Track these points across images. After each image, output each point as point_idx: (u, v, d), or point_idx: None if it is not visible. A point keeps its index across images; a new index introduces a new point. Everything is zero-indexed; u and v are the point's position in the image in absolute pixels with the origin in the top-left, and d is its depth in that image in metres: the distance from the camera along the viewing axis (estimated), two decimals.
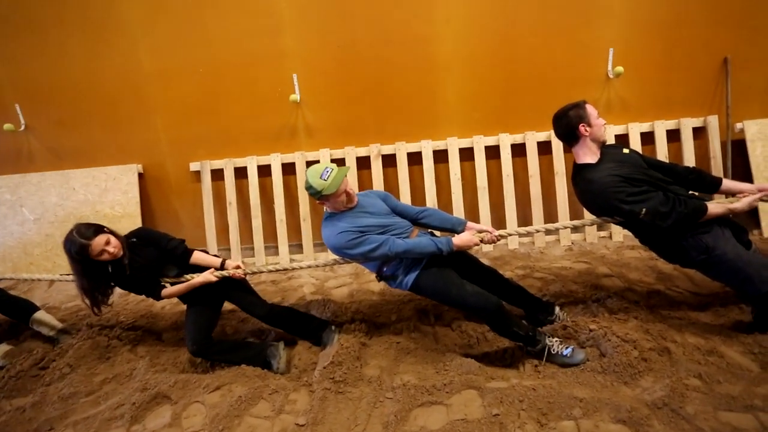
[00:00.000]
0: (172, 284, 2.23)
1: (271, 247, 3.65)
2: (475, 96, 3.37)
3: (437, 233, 2.32)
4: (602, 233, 3.39)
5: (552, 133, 3.33)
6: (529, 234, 2.21)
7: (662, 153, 3.35)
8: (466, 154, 3.44)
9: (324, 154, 3.49)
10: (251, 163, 3.53)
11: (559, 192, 3.38)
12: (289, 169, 3.56)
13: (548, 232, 3.21)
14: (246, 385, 2.04)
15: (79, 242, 2.01)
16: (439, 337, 2.38)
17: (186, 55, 3.36)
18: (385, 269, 2.18)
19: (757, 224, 3.24)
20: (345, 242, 2.04)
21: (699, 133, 3.41)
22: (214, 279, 2.20)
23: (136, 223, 3.50)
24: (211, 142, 3.58)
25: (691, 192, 2.10)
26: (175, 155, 3.60)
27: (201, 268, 2.25)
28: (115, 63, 3.40)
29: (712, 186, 2.10)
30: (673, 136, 3.41)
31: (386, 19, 3.24)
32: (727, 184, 2.08)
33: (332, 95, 3.44)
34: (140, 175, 3.63)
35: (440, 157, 3.45)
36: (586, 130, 2.01)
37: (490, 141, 3.40)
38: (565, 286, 2.69)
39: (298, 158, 3.51)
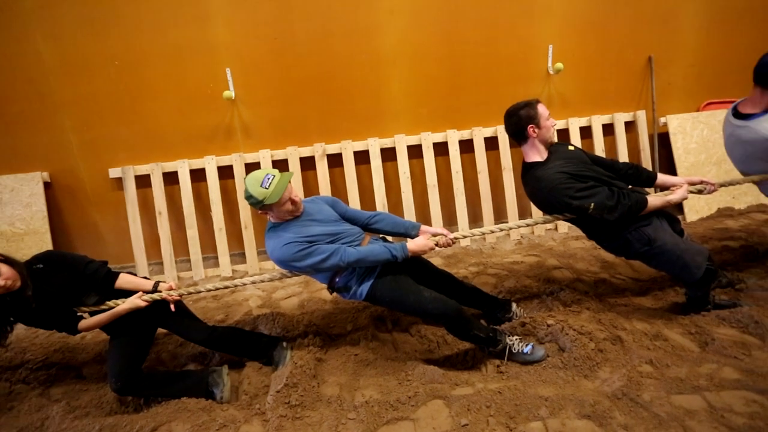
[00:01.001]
0: (92, 314, 1.90)
1: (210, 258, 3.33)
2: (421, 91, 3.30)
3: (389, 239, 2.21)
4: (548, 226, 3.49)
5: (498, 128, 3.40)
6: (483, 235, 2.16)
7: (599, 146, 3.51)
8: (414, 152, 3.37)
9: (264, 155, 3.25)
10: (183, 167, 3.20)
11: (507, 187, 3.42)
12: (226, 172, 3.27)
13: None
14: (188, 422, 1.79)
15: None
16: (398, 344, 2.28)
17: (97, 45, 2.94)
18: (337, 280, 2.03)
19: (681, 211, 3.49)
20: (292, 254, 1.87)
21: (629, 126, 3.62)
22: (143, 304, 1.91)
23: (44, 240, 3.03)
24: (134, 144, 3.18)
25: (630, 186, 2.17)
26: (89, 160, 3.15)
27: (128, 293, 1.95)
28: (7, 52, 2.89)
29: (649, 181, 2.19)
30: (608, 129, 3.58)
31: (326, 9, 3.06)
32: (661, 178, 2.18)
33: (271, 91, 3.20)
34: (47, 185, 3.14)
35: (388, 155, 3.35)
36: (534, 132, 2.00)
37: (438, 137, 3.36)
38: (518, 281, 2.71)
39: (235, 160, 3.23)
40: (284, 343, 2.21)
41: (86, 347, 2.45)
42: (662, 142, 3.66)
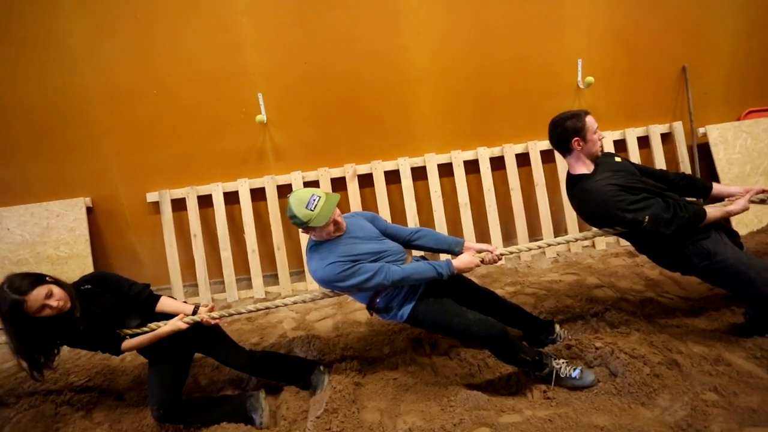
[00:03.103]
0: (134, 336, 1.92)
1: (244, 279, 3.36)
2: (451, 109, 3.30)
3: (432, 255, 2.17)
4: (586, 243, 3.37)
5: (529, 144, 3.35)
6: (530, 250, 2.10)
7: (635, 159, 3.40)
8: (445, 170, 3.34)
9: (296, 177, 3.28)
10: (216, 191, 3.26)
11: (540, 203, 3.34)
12: (258, 194, 3.31)
13: None
14: None
15: (11, 298, 1.66)
16: (437, 368, 2.21)
17: (137, 76, 3.07)
18: (377, 300, 1.98)
19: (728, 223, 3.31)
20: (336, 275, 1.83)
21: (666, 138, 3.50)
22: (184, 326, 1.91)
23: (86, 263, 3.12)
24: (170, 169, 3.27)
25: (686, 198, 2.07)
26: (128, 185, 3.26)
27: (168, 317, 1.96)
28: (54, 85, 3.04)
29: (704, 191, 2.08)
30: (643, 142, 3.48)
31: (354, 32, 3.12)
32: (717, 188, 2.07)
33: (301, 114, 3.26)
34: (89, 210, 3.25)
35: (418, 174, 3.33)
36: (579, 145, 1.94)
37: (468, 155, 3.33)
38: (559, 301, 2.60)
39: (267, 183, 3.28)
40: (321, 367, 2.17)
41: (126, 369, 2.48)
42: (702, 153, 3.52)
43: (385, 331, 2.53)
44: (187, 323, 1.92)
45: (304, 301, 2.09)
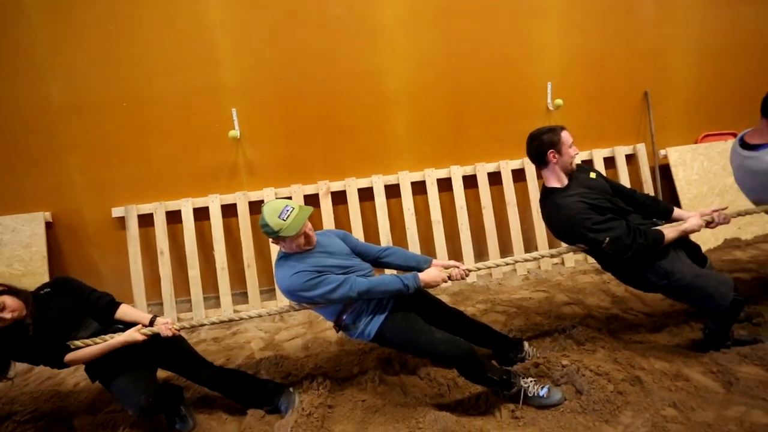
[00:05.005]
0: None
1: (212, 298, 3.26)
2: (424, 129, 3.35)
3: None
4: (555, 260, 3.44)
5: (501, 163, 3.42)
6: (497, 266, 2.12)
7: None
8: (418, 188, 3.37)
9: (268, 194, 3.25)
10: (186, 206, 3.19)
11: (512, 222, 3.40)
12: (229, 211, 3.26)
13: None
14: None
15: None
16: (407, 388, 2.18)
17: (106, 88, 3.01)
18: (344, 317, 1.97)
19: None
20: (301, 284, 1.82)
21: (630, 159, 3.64)
22: (141, 338, 1.83)
23: (42, 282, 2.92)
24: (138, 184, 3.19)
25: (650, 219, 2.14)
26: (93, 200, 3.15)
27: (127, 327, 1.87)
28: (17, 95, 2.95)
29: (666, 213, 2.16)
30: (609, 162, 3.61)
31: (330, 51, 3.15)
32: (678, 212, 2.16)
33: (275, 130, 3.25)
34: (48, 225, 3.12)
35: (392, 191, 3.35)
36: (554, 158, 2.00)
37: (442, 173, 3.37)
38: (528, 318, 2.63)
39: (239, 199, 3.23)
40: (291, 389, 2.12)
41: (79, 395, 2.35)
42: (663, 174, 3.67)
43: (355, 351, 2.49)
44: (145, 335, 1.84)
45: (269, 314, 2.04)
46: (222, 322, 2.05)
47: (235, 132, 3.15)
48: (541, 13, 3.32)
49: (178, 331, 1.92)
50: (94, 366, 1.88)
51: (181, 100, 3.10)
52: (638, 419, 1.79)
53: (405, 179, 3.31)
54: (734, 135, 2.32)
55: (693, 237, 3.45)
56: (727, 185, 3.53)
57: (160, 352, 1.96)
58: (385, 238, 3.25)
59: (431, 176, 3.33)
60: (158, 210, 3.16)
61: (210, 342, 2.82)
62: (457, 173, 3.36)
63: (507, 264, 2.14)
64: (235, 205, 3.24)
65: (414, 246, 3.28)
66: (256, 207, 3.20)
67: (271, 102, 3.20)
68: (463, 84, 3.32)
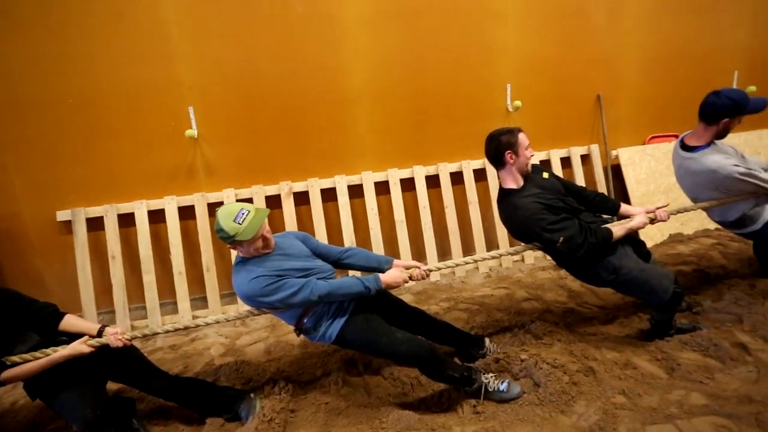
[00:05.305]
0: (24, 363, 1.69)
1: (169, 303, 3.13)
2: (387, 129, 3.36)
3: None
4: (516, 257, 3.54)
5: (462, 163, 3.49)
6: (456, 266, 2.16)
7: None
8: (382, 188, 3.38)
9: (228, 195, 3.16)
10: (140, 209, 3.04)
11: (474, 221, 3.47)
12: (187, 213, 3.14)
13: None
14: None
15: None
16: (370, 388, 2.18)
17: (48, 82, 2.81)
18: (305, 320, 1.94)
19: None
20: (260, 289, 1.78)
21: (585, 159, 3.81)
22: (87, 350, 1.72)
23: None
24: (87, 185, 3.01)
25: (596, 215, 2.25)
26: (35, 203, 2.94)
27: (73, 339, 1.76)
28: None
29: (614, 209, 2.28)
30: (565, 162, 3.75)
31: (292, 50, 3.10)
32: (624, 207, 2.27)
33: (235, 130, 3.16)
34: None
35: (355, 192, 3.34)
36: (512, 158, 2.05)
37: (405, 173, 3.40)
38: (490, 315, 2.69)
39: (197, 200, 3.12)
40: (252, 395, 2.07)
41: (17, 414, 2.19)
42: (615, 173, 3.87)
43: (318, 353, 2.47)
44: (92, 346, 1.74)
45: (227, 320, 1.98)
46: (177, 330, 1.97)
47: (193, 131, 3.04)
48: (501, 17, 3.41)
49: (130, 341, 1.83)
50: (34, 382, 1.74)
51: (133, 97, 2.96)
52: (591, 408, 1.87)
53: (368, 179, 3.31)
54: (677, 137, 2.48)
55: (643, 232, 3.67)
56: (672, 184, 3.75)
57: (109, 364, 1.86)
58: (349, 239, 3.23)
59: (394, 176, 3.35)
60: (109, 213, 3.00)
61: (167, 350, 2.71)
62: (420, 173, 3.39)
63: (466, 263, 2.18)
64: (193, 206, 3.13)
65: (378, 246, 3.29)
66: (215, 208, 3.08)
67: (230, 100, 3.11)
68: (426, 84, 3.36)
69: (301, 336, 2.01)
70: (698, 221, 3.75)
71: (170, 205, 3.08)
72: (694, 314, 2.51)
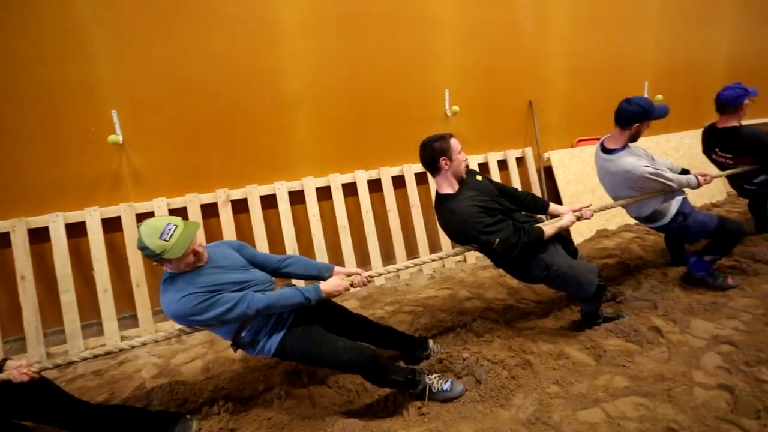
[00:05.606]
0: None
1: (93, 325, 2.88)
2: (328, 133, 3.33)
3: (303, 283, 2.11)
4: (458, 258, 3.63)
5: (404, 167, 3.53)
6: (397, 271, 2.17)
7: (496, 180, 3.80)
8: (324, 193, 3.33)
9: (160, 204, 2.96)
10: (56, 222, 2.77)
11: (416, 223, 3.52)
12: (112, 225, 2.90)
13: None
14: None
15: None
16: (315, 399, 2.13)
17: None
18: (243, 335, 1.85)
19: (569, 235, 3.89)
20: (191, 307, 1.67)
21: (520, 161, 4.01)
22: None
23: None
24: None
25: (528, 214, 2.36)
26: None
27: None
28: None
29: (543, 209, 2.41)
30: (502, 165, 3.92)
31: (225, 52, 2.98)
32: (553, 207, 2.41)
33: (166, 135, 2.97)
34: None
35: (297, 198, 3.27)
36: (446, 164, 2.09)
37: (347, 178, 3.38)
38: (433, 316, 2.74)
39: (124, 211, 2.90)
40: (188, 416, 1.95)
41: None
42: (547, 174, 4.10)
43: (260, 367, 2.37)
44: None
45: (155, 341, 1.84)
46: (96, 357, 1.78)
47: (117, 137, 2.82)
48: (438, 25, 3.50)
49: (37, 374, 1.64)
50: None
51: (44, 99, 2.69)
52: (528, 399, 1.96)
53: (309, 185, 3.25)
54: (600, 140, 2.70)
55: (574, 229, 3.90)
56: (597, 183, 3.99)
57: (14, 402, 1.64)
58: (291, 246, 3.15)
59: (336, 181, 3.32)
60: (17, 228, 2.70)
61: (89, 377, 2.47)
62: (362, 177, 3.39)
63: (406, 267, 2.20)
64: (119, 218, 2.90)
65: (321, 252, 3.24)
66: (145, 219, 2.90)
67: (160, 104, 2.92)
68: (366, 89, 3.37)
69: (237, 351, 1.92)
70: (621, 217, 4.07)
71: (92, 217, 2.83)
72: (618, 303, 2.72)
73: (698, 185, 2.66)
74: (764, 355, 2.08)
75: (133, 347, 1.81)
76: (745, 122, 2.99)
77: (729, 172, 3.06)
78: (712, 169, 3.14)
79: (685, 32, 4.68)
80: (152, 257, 1.65)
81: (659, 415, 1.79)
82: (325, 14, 3.17)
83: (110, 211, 2.89)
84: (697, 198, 4.56)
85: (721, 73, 5.01)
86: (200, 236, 2.95)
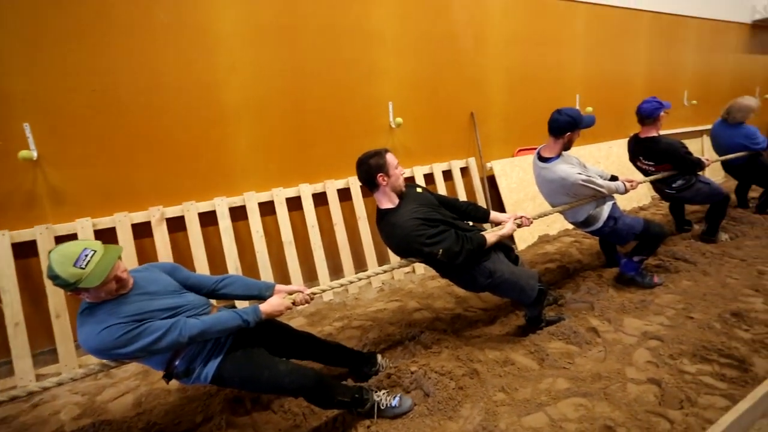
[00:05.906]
0: None
1: (2, 364, 2.56)
2: (270, 147, 3.22)
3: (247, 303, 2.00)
4: (407, 269, 3.63)
5: (350, 179, 3.50)
6: (342, 286, 2.11)
7: (441, 190, 3.87)
8: (267, 208, 3.22)
9: (84, 225, 2.71)
10: None
11: (363, 236, 3.49)
12: (26, 249, 2.61)
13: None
14: None
15: None
16: (259, 426, 2.01)
17: None
18: (176, 364, 1.71)
19: (513, 242, 4.02)
20: (114, 340, 1.50)
21: (464, 171, 4.10)
22: None
23: None
24: None
25: (471, 223, 2.40)
26: None
27: None
28: None
29: (485, 217, 2.46)
30: (447, 175, 4.00)
31: (155, 62, 2.81)
32: (494, 215, 2.46)
33: (90, 150, 2.74)
34: None
35: (238, 214, 3.13)
36: (384, 180, 2.08)
37: (291, 192, 3.28)
38: (382, 330, 2.70)
39: (40, 234, 2.62)
40: None
41: None
42: (491, 183, 4.23)
43: (199, 396, 2.21)
44: None
45: (73, 380, 1.65)
46: (1, 403, 1.57)
47: (30, 152, 2.56)
48: (379, 37, 3.53)
49: None
50: None
51: None
52: (475, 409, 1.96)
53: (251, 200, 3.13)
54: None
55: (517, 235, 4.02)
56: (537, 191, 4.23)
57: None
58: (234, 265, 3.00)
59: (280, 195, 3.22)
60: None
61: None
62: (306, 191, 3.31)
63: (351, 282, 2.15)
64: (34, 242, 2.62)
65: (266, 270, 3.11)
66: (67, 241, 2.64)
67: (81, 116, 2.69)
68: (309, 101, 3.31)
69: (169, 383, 1.77)
70: (560, 223, 4.27)
71: (1, 242, 2.54)
72: (559, 306, 2.82)
73: (626, 191, 2.85)
74: (685, 347, 2.23)
75: (45, 389, 1.61)
76: (663, 132, 3.26)
77: (652, 177, 3.31)
78: (638, 176, 3.39)
79: (609, 49, 5.06)
80: (65, 287, 1.48)
81: (597, 414, 1.86)
82: (265, 24, 3.10)
83: (23, 235, 2.60)
84: (627, 202, 4.90)
85: (640, 87, 5.47)
86: (129, 259, 2.76)
